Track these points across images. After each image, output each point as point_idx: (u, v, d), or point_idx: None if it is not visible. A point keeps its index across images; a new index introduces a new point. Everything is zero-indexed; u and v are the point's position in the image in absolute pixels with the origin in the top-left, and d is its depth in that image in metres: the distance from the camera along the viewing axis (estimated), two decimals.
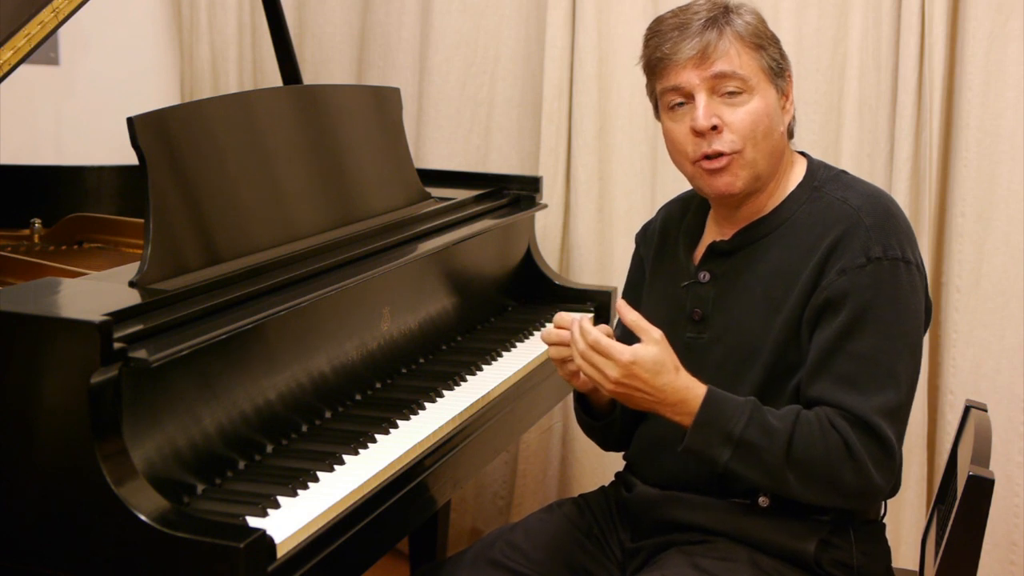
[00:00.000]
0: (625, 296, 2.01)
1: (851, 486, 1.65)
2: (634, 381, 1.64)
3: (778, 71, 1.76)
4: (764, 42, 1.75)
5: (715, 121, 1.72)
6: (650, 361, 1.64)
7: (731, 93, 1.72)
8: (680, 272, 1.86)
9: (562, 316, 1.74)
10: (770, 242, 1.77)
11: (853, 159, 2.79)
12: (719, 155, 1.73)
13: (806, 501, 1.69)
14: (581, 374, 1.74)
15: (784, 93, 1.78)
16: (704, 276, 1.81)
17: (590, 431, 1.96)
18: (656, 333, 1.65)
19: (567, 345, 1.71)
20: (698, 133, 1.73)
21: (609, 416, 1.90)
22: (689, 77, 1.73)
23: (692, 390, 1.66)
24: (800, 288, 1.72)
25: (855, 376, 1.66)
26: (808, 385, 1.69)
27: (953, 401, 2.77)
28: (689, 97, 1.74)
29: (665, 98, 1.77)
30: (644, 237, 2.00)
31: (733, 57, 1.72)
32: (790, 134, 1.83)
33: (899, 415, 1.68)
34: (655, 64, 1.77)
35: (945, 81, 2.72)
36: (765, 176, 1.77)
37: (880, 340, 1.67)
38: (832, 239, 1.71)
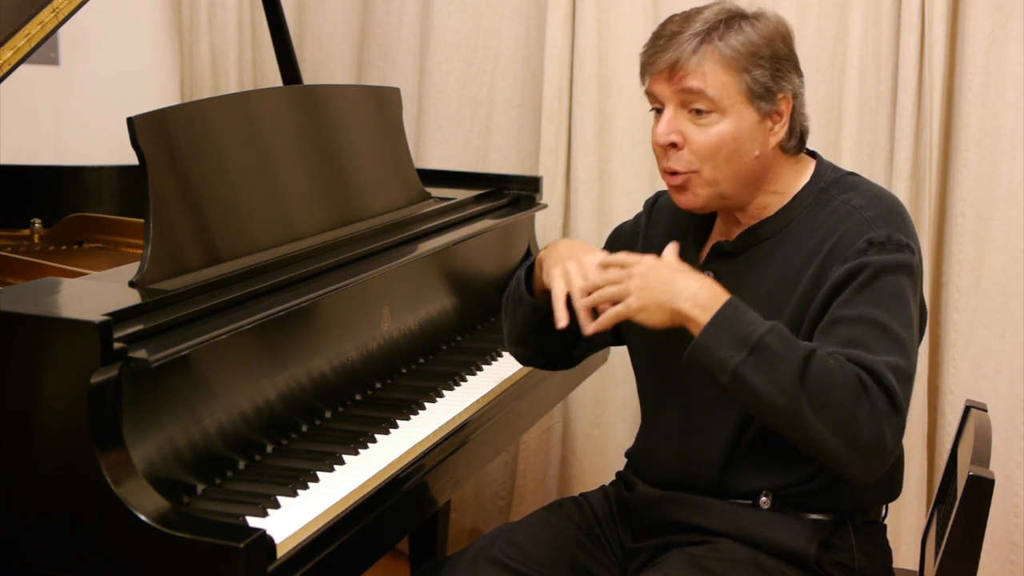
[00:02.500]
0: (611, 235, 2.02)
1: (865, 426, 1.55)
2: (652, 272, 1.64)
3: (762, 94, 1.71)
4: (750, 64, 1.70)
5: (675, 138, 1.71)
6: (667, 259, 1.67)
7: (699, 112, 1.70)
8: None
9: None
10: (774, 244, 1.77)
11: (853, 159, 2.79)
12: (675, 172, 1.73)
13: (812, 436, 1.57)
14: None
15: (776, 113, 1.73)
16: (709, 276, 1.80)
17: (515, 303, 1.94)
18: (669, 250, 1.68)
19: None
20: (658, 146, 1.73)
21: (544, 303, 1.85)
22: (660, 88, 1.73)
23: (714, 288, 1.63)
24: (802, 290, 1.71)
25: (862, 338, 1.61)
26: None
27: (953, 401, 2.77)
28: (663, 106, 1.74)
29: (648, 100, 1.78)
30: (652, 208, 1.98)
31: (701, 77, 1.69)
32: (799, 148, 1.79)
33: (906, 377, 1.61)
34: (641, 67, 1.77)
35: (945, 81, 2.72)
36: (731, 195, 1.75)
37: (880, 310, 1.63)
38: (834, 239, 1.70)
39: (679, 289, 1.63)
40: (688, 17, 1.74)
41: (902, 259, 1.67)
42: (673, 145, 1.72)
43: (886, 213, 1.71)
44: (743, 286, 1.77)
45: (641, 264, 1.66)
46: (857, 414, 1.55)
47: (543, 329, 1.88)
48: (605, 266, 1.69)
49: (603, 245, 2.02)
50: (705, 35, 1.70)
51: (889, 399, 1.57)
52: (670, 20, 1.76)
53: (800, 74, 1.78)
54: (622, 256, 1.69)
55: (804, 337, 1.69)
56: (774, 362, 1.56)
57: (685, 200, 1.76)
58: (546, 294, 1.83)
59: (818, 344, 1.63)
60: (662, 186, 2.89)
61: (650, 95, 1.76)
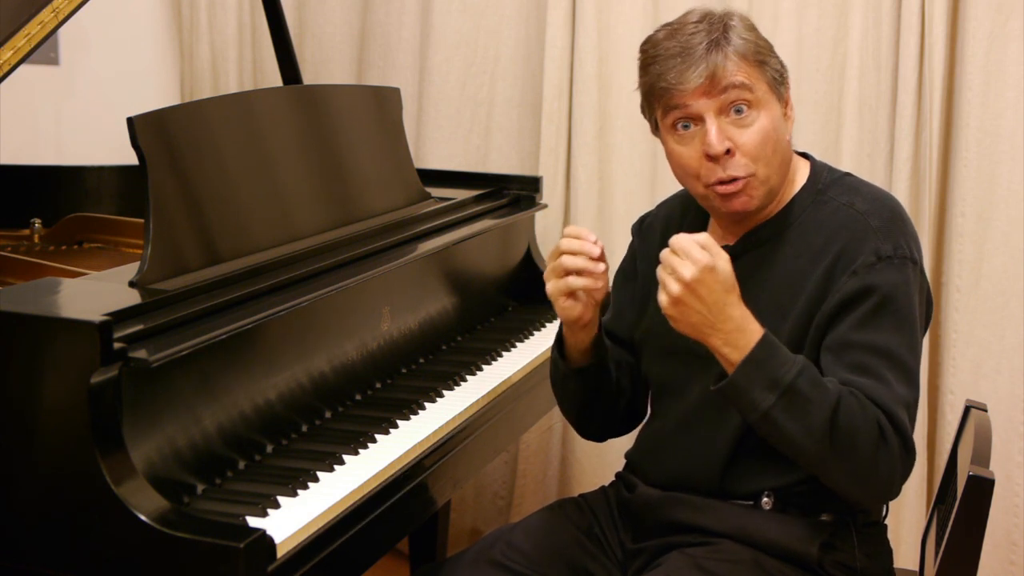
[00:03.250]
0: (615, 282, 1.99)
1: (882, 471, 1.60)
2: (702, 289, 1.58)
3: (780, 80, 1.74)
4: (764, 56, 1.72)
5: (728, 145, 1.69)
6: (725, 273, 1.60)
7: (739, 112, 1.69)
8: None
9: (579, 230, 1.72)
10: (775, 247, 1.76)
11: (853, 159, 2.79)
12: (734, 179, 1.70)
13: (831, 475, 1.63)
14: (568, 297, 1.72)
15: (785, 100, 1.76)
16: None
17: (563, 381, 1.88)
18: (726, 262, 1.61)
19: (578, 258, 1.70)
20: (711, 158, 1.70)
21: (585, 364, 1.83)
22: (699, 102, 1.69)
23: (749, 324, 1.61)
24: (808, 295, 1.71)
25: (872, 367, 1.63)
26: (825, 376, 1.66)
27: (953, 401, 2.77)
28: (697, 120, 1.70)
29: (669, 121, 1.73)
30: (640, 230, 1.98)
31: (742, 77, 1.69)
32: None
33: (913, 410, 1.66)
34: (660, 93, 1.72)
35: (945, 81, 2.72)
36: (777, 188, 1.75)
37: (893, 335, 1.65)
38: (840, 245, 1.70)
39: (716, 324, 1.60)
40: (678, 32, 1.71)
41: (908, 274, 1.68)
42: (727, 152, 1.69)
43: (890, 219, 1.71)
44: (744, 290, 1.75)
45: (690, 272, 1.58)
46: (877, 461, 1.60)
47: (603, 389, 1.87)
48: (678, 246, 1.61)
49: (612, 290, 2.02)
50: (721, 38, 1.69)
51: (903, 442, 1.61)
52: (657, 41, 1.73)
53: None
54: (689, 244, 1.60)
55: (810, 344, 1.69)
56: (805, 407, 1.58)
57: (740, 203, 1.72)
58: (581, 355, 1.83)
59: (828, 367, 1.65)
60: (662, 185, 2.93)
61: (678, 117, 1.71)
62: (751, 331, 1.61)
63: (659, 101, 1.73)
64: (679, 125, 1.72)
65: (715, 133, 1.69)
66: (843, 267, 1.69)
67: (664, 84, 1.70)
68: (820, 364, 1.68)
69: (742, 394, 1.61)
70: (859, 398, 1.60)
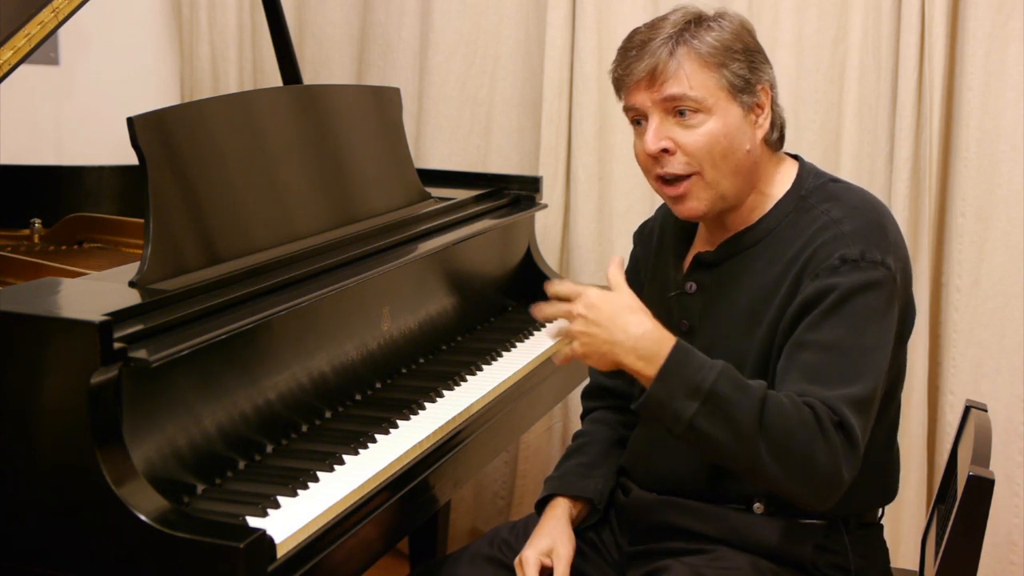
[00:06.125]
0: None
1: (823, 467, 1.57)
2: (591, 312, 1.58)
3: (742, 87, 1.70)
4: (727, 59, 1.70)
5: (665, 144, 1.69)
6: (606, 296, 1.60)
7: (683, 114, 1.69)
8: (669, 281, 1.85)
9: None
10: (755, 254, 1.75)
11: (853, 159, 2.79)
12: (676, 179, 1.71)
13: (769, 478, 1.58)
14: None
15: (757, 106, 1.73)
16: (691, 287, 1.80)
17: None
18: (628, 292, 1.63)
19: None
20: (650, 155, 1.71)
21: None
22: (641, 98, 1.71)
23: (658, 334, 1.59)
24: (778, 301, 1.69)
25: (821, 367, 1.61)
26: (779, 383, 1.64)
27: (953, 401, 2.77)
28: (646, 117, 1.72)
29: (627, 115, 1.76)
30: (641, 237, 1.99)
31: (683, 79, 1.68)
32: (780, 143, 1.79)
33: (864, 408, 1.62)
34: (614, 82, 1.76)
35: (945, 81, 2.72)
36: (731, 195, 1.73)
37: (846, 332, 1.62)
38: (810, 251, 1.68)
39: (620, 339, 1.58)
40: (654, 26, 1.74)
41: (873, 277, 1.64)
42: (665, 151, 1.70)
43: (863, 226, 1.68)
44: (724, 296, 1.76)
45: (581, 301, 1.61)
46: (815, 456, 1.56)
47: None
48: (554, 295, 1.64)
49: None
50: (677, 37, 1.70)
51: (846, 436, 1.58)
52: (636, 32, 1.75)
53: (771, 66, 1.77)
54: (567, 287, 1.64)
55: (776, 349, 1.68)
56: (729, 410, 1.56)
57: (688, 209, 1.73)
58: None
59: (782, 367, 1.64)
60: None
61: (630, 109, 1.74)
62: (662, 339, 1.59)
63: (616, 91, 1.77)
64: (633, 121, 1.75)
65: (651, 132, 1.71)
66: (808, 272, 1.67)
67: (616, 74, 1.75)
68: (780, 362, 1.66)
69: (664, 406, 1.57)
70: (791, 398, 1.58)
